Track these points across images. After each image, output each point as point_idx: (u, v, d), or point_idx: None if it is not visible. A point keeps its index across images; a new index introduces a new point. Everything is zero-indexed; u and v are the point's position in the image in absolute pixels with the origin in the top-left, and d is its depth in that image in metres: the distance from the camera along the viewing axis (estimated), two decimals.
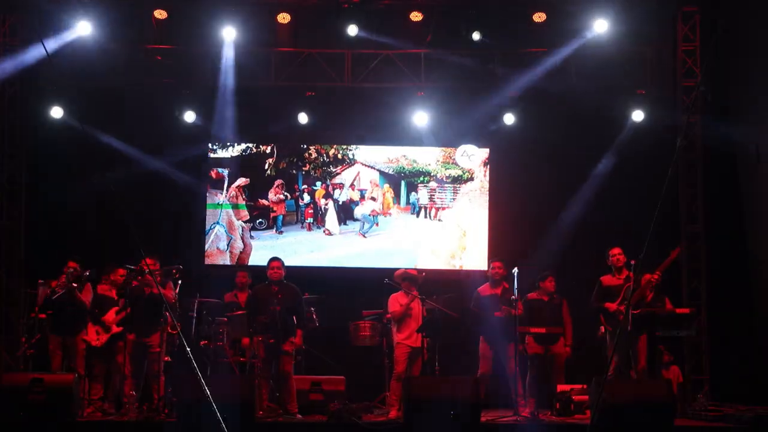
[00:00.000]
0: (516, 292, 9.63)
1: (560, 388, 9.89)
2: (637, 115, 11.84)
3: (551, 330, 9.97)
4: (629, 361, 9.45)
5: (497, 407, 9.85)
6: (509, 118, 12.13)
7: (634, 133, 11.94)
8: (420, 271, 10.59)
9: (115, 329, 9.67)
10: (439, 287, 10.47)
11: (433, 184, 12.47)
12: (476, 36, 11.48)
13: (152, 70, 11.81)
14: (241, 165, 12.49)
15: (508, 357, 9.72)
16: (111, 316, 9.78)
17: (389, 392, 9.88)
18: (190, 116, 12.07)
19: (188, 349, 6.26)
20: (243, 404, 8.34)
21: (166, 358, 9.55)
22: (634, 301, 9.31)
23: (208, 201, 12.38)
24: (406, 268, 10.41)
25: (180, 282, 9.93)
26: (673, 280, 10.89)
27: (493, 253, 11.98)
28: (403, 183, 12.55)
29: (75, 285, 9.63)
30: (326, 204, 12.44)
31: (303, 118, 12.03)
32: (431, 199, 12.48)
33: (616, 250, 9.87)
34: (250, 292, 10.15)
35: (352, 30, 11.47)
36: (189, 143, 12.26)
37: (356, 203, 12.51)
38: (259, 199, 12.47)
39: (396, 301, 9.92)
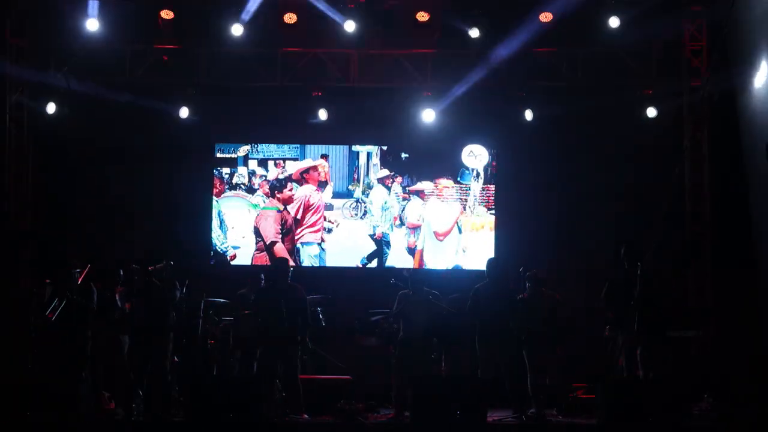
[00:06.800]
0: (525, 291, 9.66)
1: (565, 387, 9.86)
2: (650, 112, 11.79)
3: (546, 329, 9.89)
4: (636, 362, 9.40)
5: (503, 408, 9.81)
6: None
7: (640, 131, 11.92)
8: (408, 270, 10.59)
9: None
10: (444, 287, 10.44)
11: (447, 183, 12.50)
12: (474, 33, 11.46)
13: (159, 70, 11.85)
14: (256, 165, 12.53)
15: (510, 356, 9.65)
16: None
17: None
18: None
19: None
20: (249, 404, 8.36)
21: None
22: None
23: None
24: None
25: (187, 282, 9.96)
26: (680, 280, 10.90)
27: (500, 252, 12.00)
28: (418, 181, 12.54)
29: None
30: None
31: (322, 114, 12.02)
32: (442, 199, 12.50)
33: None
34: (257, 293, 10.14)
35: (350, 26, 11.41)
36: (195, 143, 12.30)
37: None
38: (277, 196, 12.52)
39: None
